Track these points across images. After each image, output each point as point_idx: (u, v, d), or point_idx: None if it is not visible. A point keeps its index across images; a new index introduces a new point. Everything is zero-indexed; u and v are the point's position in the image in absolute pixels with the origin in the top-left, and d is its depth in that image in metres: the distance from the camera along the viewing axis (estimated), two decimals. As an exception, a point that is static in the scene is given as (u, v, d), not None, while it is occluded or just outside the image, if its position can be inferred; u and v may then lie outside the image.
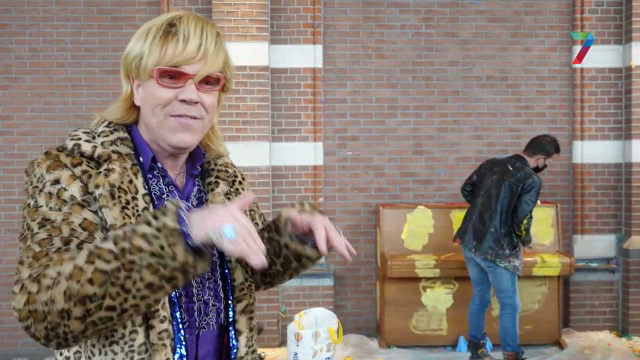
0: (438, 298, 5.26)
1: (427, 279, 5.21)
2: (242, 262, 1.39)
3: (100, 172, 1.23)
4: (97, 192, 1.22)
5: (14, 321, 5.40)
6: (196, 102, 1.25)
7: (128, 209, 1.23)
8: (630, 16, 5.55)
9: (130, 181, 1.26)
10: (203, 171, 1.43)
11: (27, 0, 5.50)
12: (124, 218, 1.22)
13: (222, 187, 1.41)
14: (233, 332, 1.36)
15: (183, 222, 1.10)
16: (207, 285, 1.33)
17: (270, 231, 1.45)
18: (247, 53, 5.29)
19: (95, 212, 1.22)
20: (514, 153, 4.88)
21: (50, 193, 1.20)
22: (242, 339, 1.37)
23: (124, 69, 1.31)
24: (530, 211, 4.49)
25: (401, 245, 5.39)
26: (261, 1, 5.31)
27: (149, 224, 1.10)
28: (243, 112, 5.31)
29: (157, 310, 1.22)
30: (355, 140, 5.74)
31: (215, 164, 1.43)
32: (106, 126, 1.32)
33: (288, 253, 1.42)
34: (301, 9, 5.56)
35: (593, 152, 5.70)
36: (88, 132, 1.30)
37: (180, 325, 1.28)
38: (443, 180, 5.77)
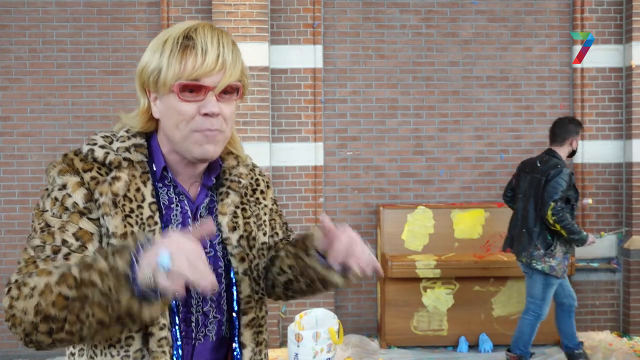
0: (439, 298, 5.25)
1: (428, 279, 5.20)
2: (248, 274, 1.37)
3: (106, 180, 1.24)
4: (101, 199, 1.23)
5: (14, 322, 5.40)
6: (218, 114, 1.24)
7: (132, 217, 1.24)
8: (631, 16, 5.54)
9: (138, 189, 1.26)
10: (218, 181, 1.41)
11: (27, 1, 5.50)
12: (125, 226, 1.22)
13: (233, 197, 1.38)
14: (237, 345, 1.34)
15: (134, 265, 1.07)
16: (208, 297, 1.31)
17: (297, 248, 1.41)
18: (247, 53, 5.28)
19: (97, 219, 1.23)
20: (547, 149, 4.57)
21: (55, 198, 1.23)
22: (247, 353, 1.35)
23: (140, 82, 1.30)
24: (556, 200, 4.19)
25: (402, 246, 5.39)
26: (261, 1, 5.31)
27: (107, 259, 1.09)
28: (243, 112, 5.30)
29: (157, 317, 1.21)
30: (355, 141, 5.73)
31: (230, 174, 1.40)
32: (126, 131, 1.33)
33: (314, 276, 1.37)
34: (301, 9, 5.56)
35: (594, 152, 5.69)
36: (107, 137, 1.31)
37: (178, 335, 1.27)
38: (443, 181, 5.77)
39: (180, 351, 1.26)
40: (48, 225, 1.21)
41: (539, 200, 4.33)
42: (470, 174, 5.77)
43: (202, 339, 1.32)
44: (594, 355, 4.98)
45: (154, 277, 1.04)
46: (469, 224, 5.44)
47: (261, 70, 5.33)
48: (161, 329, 1.23)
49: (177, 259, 1.03)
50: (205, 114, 1.23)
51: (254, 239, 1.41)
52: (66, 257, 1.18)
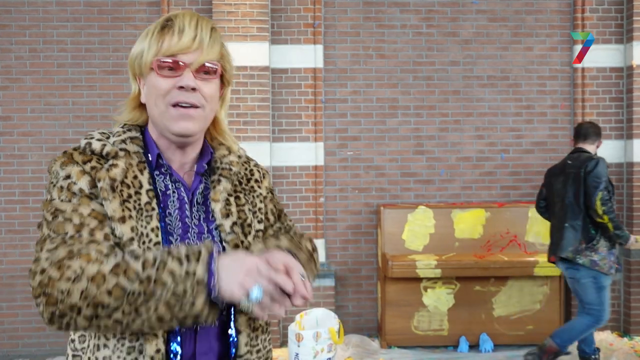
0: (439, 298, 5.25)
1: (428, 279, 5.20)
2: None
3: (103, 167, 1.30)
4: (100, 185, 1.28)
5: (14, 322, 5.40)
6: (194, 89, 1.30)
7: (129, 202, 1.28)
8: (632, 15, 5.54)
9: (135, 177, 1.31)
10: (211, 169, 1.45)
11: (27, 0, 5.50)
12: (123, 211, 1.27)
13: (224, 184, 1.42)
14: (234, 330, 1.36)
15: (212, 274, 1.15)
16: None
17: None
18: (248, 53, 5.28)
19: (102, 205, 1.28)
20: (574, 148, 4.53)
21: (61, 187, 1.27)
22: (242, 338, 1.36)
23: (132, 71, 1.38)
24: (602, 190, 4.13)
25: (402, 246, 5.39)
26: (261, 1, 5.30)
27: (180, 262, 1.15)
28: (244, 112, 5.30)
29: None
30: (356, 140, 5.73)
31: (221, 162, 1.44)
32: (121, 127, 1.39)
33: None
34: (302, 9, 5.55)
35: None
36: (103, 133, 1.38)
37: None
38: (444, 180, 5.76)
39: (179, 337, 1.28)
40: (60, 210, 1.25)
41: (579, 194, 4.26)
42: (470, 174, 5.77)
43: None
44: (594, 355, 4.97)
45: (244, 303, 1.15)
46: (469, 223, 5.43)
47: (262, 70, 5.32)
48: None
49: (267, 293, 1.16)
50: (181, 87, 1.29)
51: (250, 225, 1.43)
52: (91, 233, 1.23)
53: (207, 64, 1.31)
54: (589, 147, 4.47)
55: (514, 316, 5.24)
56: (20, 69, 5.50)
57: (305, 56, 5.57)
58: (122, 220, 1.26)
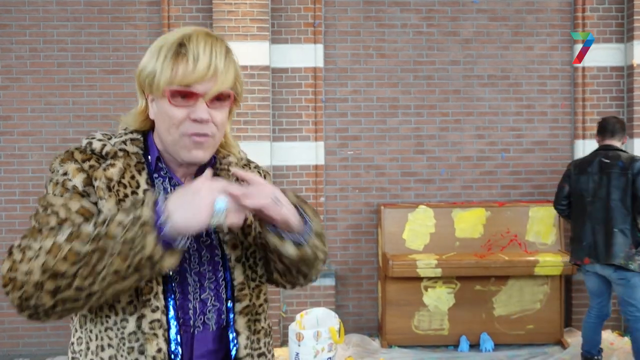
0: (440, 298, 5.25)
1: (429, 278, 5.20)
2: (242, 261, 1.38)
3: (100, 166, 1.30)
4: (96, 184, 1.28)
5: (15, 321, 5.40)
6: (207, 121, 1.29)
7: (125, 202, 1.28)
8: (632, 15, 5.53)
9: (133, 177, 1.31)
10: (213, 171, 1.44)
11: (28, 0, 5.49)
12: (118, 210, 1.26)
13: None
14: (234, 333, 1.35)
15: (159, 213, 1.15)
16: (206, 284, 1.33)
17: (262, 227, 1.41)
18: (248, 52, 5.28)
19: (95, 204, 1.28)
20: (603, 145, 4.42)
21: (57, 182, 1.29)
22: (242, 340, 1.36)
23: (139, 83, 1.36)
24: None
25: (402, 245, 5.38)
26: (262, 0, 5.30)
27: (127, 212, 1.16)
28: (244, 111, 5.30)
29: (149, 300, 1.25)
30: (356, 140, 5.73)
31: (220, 163, 1.45)
32: (124, 129, 1.39)
33: (273, 250, 1.37)
34: (302, 8, 5.55)
35: (595, 151, 5.68)
36: (106, 134, 1.38)
37: (174, 321, 1.28)
38: (444, 180, 5.76)
39: (179, 338, 1.28)
40: (51, 204, 1.26)
41: (626, 196, 4.16)
42: (471, 173, 5.76)
43: (201, 327, 1.32)
44: (595, 354, 4.97)
45: (221, 219, 1.18)
46: (470, 223, 5.43)
47: (262, 69, 5.32)
48: (153, 311, 1.25)
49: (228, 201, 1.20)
50: (195, 120, 1.28)
51: (249, 226, 1.42)
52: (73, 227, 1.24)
53: (223, 93, 1.31)
54: (617, 144, 4.35)
55: (515, 315, 5.24)
56: (21, 68, 5.49)
57: (305, 55, 5.57)
58: None
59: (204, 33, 1.31)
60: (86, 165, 1.30)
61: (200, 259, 1.34)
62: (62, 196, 1.27)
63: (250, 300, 1.38)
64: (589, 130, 5.66)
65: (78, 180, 1.28)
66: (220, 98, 1.31)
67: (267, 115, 5.36)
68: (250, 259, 1.41)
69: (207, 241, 1.36)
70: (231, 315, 1.36)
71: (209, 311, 1.33)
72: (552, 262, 5.09)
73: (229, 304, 1.36)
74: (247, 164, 1.54)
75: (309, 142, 5.59)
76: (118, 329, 1.25)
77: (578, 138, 5.73)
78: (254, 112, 5.32)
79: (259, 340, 1.40)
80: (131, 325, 1.25)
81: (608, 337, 5.40)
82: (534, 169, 5.76)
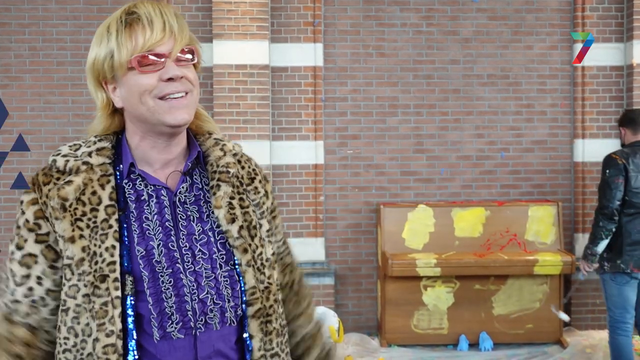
0: (439, 297, 5.25)
1: (428, 277, 5.20)
2: (253, 265, 1.36)
3: (56, 185, 1.27)
4: (51, 203, 1.26)
5: None
6: (181, 77, 1.27)
7: (82, 221, 1.25)
8: (632, 14, 5.53)
9: (94, 192, 1.26)
10: (206, 174, 1.40)
11: (27, -1, 5.49)
12: (73, 230, 1.24)
13: (225, 189, 1.36)
14: (247, 334, 1.34)
15: None
16: (204, 283, 1.29)
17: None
18: (248, 51, 5.27)
19: (47, 234, 1.27)
20: (634, 141, 4.12)
21: (17, 222, 1.30)
22: (255, 343, 1.34)
23: (94, 77, 1.32)
24: None
25: (402, 244, 5.38)
26: (261, -1, 5.30)
27: None
28: (243, 110, 5.30)
29: (104, 324, 1.21)
30: (356, 139, 5.73)
31: (218, 166, 1.39)
32: (95, 136, 1.34)
33: None
34: (301, 7, 5.54)
35: (594, 150, 5.68)
36: (74, 145, 1.33)
37: (133, 343, 1.24)
38: (444, 179, 5.76)
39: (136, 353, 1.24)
40: (11, 271, 1.29)
41: None
42: (470, 173, 5.76)
43: (203, 328, 1.29)
44: (594, 354, 4.97)
45: None
46: (469, 222, 5.43)
47: (261, 68, 5.32)
48: (107, 335, 1.21)
49: None
50: (169, 79, 1.25)
51: (255, 227, 1.39)
52: (14, 302, 1.29)
53: (185, 49, 1.28)
54: None
55: (514, 315, 5.24)
56: (20, 67, 5.49)
57: (305, 54, 5.56)
58: (72, 240, 1.23)
59: (146, 0, 1.31)
60: (46, 190, 1.27)
61: (194, 257, 1.30)
62: (17, 245, 1.28)
63: (261, 302, 1.36)
64: (589, 130, 5.66)
65: (30, 213, 1.27)
66: (185, 55, 1.28)
67: (266, 115, 5.35)
68: (258, 261, 1.38)
69: (204, 239, 1.33)
70: (245, 319, 1.34)
71: (210, 311, 1.30)
72: (552, 261, 5.09)
73: (244, 307, 1.34)
74: (248, 160, 1.49)
75: (308, 142, 5.58)
76: (77, 350, 1.23)
77: (577, 137, 5.73)
78: (253, 111, 5.32)
79: (271, 341, 1.37)
80: (89, 346, 1.23)
81: (607, 336, 5.39)
82: (534, 168, 5.76)
